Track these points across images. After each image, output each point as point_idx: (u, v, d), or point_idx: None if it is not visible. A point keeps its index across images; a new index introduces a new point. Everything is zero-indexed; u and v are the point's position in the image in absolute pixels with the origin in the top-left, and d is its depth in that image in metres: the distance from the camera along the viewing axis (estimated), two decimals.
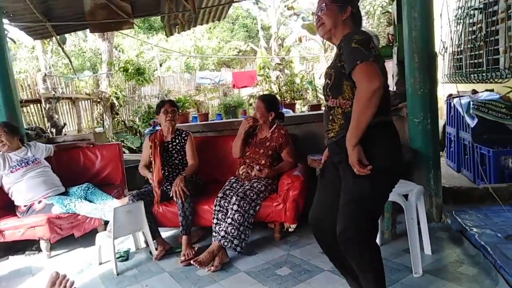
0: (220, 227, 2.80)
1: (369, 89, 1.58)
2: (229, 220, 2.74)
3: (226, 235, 2.71)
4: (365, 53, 1.61)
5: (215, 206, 2.89)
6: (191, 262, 2.65)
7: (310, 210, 1.98)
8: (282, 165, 3.13)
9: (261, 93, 10.77)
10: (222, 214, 2.85)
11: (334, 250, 1.91)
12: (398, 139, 1.79)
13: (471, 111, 3.69)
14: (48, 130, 6.50)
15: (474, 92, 4.11)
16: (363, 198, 1.69)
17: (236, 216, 2.74)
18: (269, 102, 3.17)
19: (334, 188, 1.83)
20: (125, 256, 3.01)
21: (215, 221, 2.86)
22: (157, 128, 3.84)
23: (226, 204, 2.87)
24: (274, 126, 3.18)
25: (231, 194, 2.92)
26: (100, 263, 2.93)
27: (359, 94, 1.61)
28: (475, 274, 2.26)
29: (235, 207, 2.76)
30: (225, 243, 2.70)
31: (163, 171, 3.18)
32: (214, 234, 2.82)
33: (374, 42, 1.72)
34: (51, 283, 1.55)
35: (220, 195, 2.93)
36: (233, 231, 2.71)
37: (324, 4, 1.82)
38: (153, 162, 3.16)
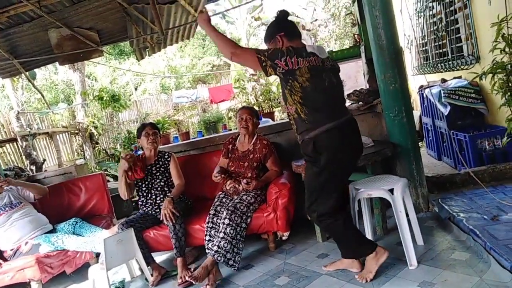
0: (212, 243, 2.78)
1: (227, 50, 2.15)
2: (221, 235, 2.73)
3: (219, 250, 2.69)
4: (265, 52, 2.10)
5: (207, 223, 2.88)
6: (187, 278, 2.65)
7: None
8: (268, 175, 3.15)
9: (239, 106, 10.82)
10: (215, 231, 2.84)
11: None
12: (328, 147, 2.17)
13: (443, 100, 3.80)
14: (28, 168, 6.35)
15: (444, 80, 4.23)
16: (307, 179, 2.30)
17: (228, 230, 2.73)
18: (254, 111, 3.26)
19: None
20: (121, 287, 2.95)
21: (207, 237, 2.85)
22: (139, 152, 3.81)
23: (218, 221, 2.86)
24: (255, 137, 3.20)
25: (222, 209, 2.92)
26: None
27: (222, 46, 2.18)
28: (467, 259, 2.30)
29: (226, 221, 2.75)
30: (218, 258, 2.68)
31: (149, 195, 3.16)
32: (207, 250, 2.81)
33: (300, 57, 2.08)
34: None
35: (212, 212, 2.92)
36: (225, 245, 2.70)
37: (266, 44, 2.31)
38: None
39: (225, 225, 2.74)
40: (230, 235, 2.72)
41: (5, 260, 3.10)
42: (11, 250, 3.14)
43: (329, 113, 2.14)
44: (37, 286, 3.08)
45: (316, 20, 13.23)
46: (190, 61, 18.76)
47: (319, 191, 2.24)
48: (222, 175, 3.04)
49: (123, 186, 3.09)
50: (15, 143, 7.52)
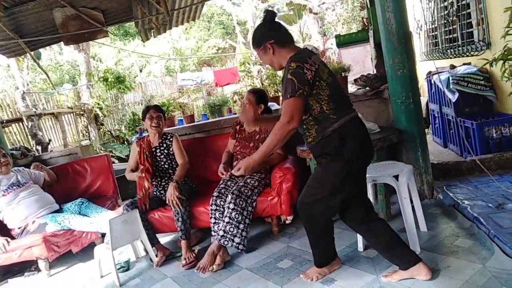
0: (218, 226, 2.81)
1: (287, 127, 1.91)
2: (226, 219, 2.75)
3: (225, 234, 2.72)
4: (295, 87, 1.88)
5: (211, 206, 2.89)
6: (195, 270, 2.67)
7: None
8: (272, 156, 3.10)
9: (244, 89, 10.75)
10: (219, 213, 2.86)
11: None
12: (350, 138, 2.00)
13: (451, 86, 3.75)
14: (34, 148, 6.39)
15: (452, 67, 4.17)
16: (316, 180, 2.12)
17: (233, 214, 2.74)
18: (259, 95, 3.14)
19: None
20: (126, 266, 3.00)
21: (212, 220, 2.87)
22: (144, 134, 3.81)
23: (222, 203, 2.87)
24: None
25: (226, 192, 2.93)
26: (102, 276, 2.92)
27: (279, 126, 1.94)
28: (471, 246, 2.31)
29: (231, 206, 2.77)
30: (225, 242, 2.71)
31: (154, 177, 3.18)
32: (213, 233, 2.84)
33: (311, 59, 1.94)
34: None
35: (215, 194, 2.93)
36: (232, 229, 2.72)
37: (256, 52, 2.16)
38: (141, 166, 3.15)
39: (230, 210, 2.76)
40: (236, 219, 2.74)
41: (13, 238, 3.15)
42: (19, 228, 3.19)
43: (348, 104, 2.09)
44: (44, 264, 3.14)
45: (323, 3, 13.00)
46: (195, 43, 18.61)
47: (334, 189, 2.04)
48: (227, 172, 3.02)
49: (134, 178, 3.20)
50: (21, 123, 7.56)
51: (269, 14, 2.13)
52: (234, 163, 3.16)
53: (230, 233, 2.72)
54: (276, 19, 2.15)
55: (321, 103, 1.96)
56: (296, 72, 1.89)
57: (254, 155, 2.05)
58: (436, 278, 2.05)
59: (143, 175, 3.07)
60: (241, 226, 2.75)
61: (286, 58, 2.01)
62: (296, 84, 1.88)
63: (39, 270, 3.22)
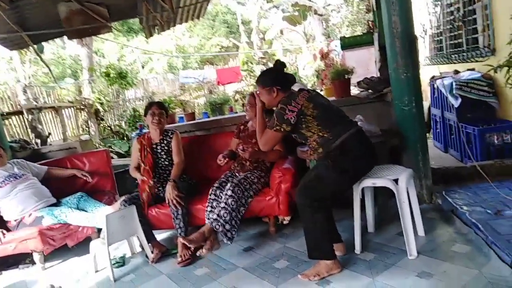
0: (212, 213, 2.84)
1: (263, 148, 2.50)
2: (222, 205, 2.79)
3: (218, 218, 2.75)
4: (274, 123, 2.34)
5: (210, 195, 2.93)
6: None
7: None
8: (270, 152, 2.99)
9: (246, 88, 10.75)
10: (217, 203, 2.88)
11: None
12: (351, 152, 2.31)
13: (454, 91, 3.73)
14: (33, 141, 6.38)
15: (456, 72, 4.15)
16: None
17: (229, 200, 2.77)
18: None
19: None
20: (121, 262, 2.99)
21: (209, 208, 2.90)
22: (144, 131, 3.80)
23: (221, 194, 2.91)
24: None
25: (227, 184, 2.95)
26: (96, 271, 2.91)
27: (260, 142, 2.48)
28: (468, 252, 2.29)
29: (229, 193, 2.80)
30: (217, 226, 2.74)
31: (154, 173, 3.17)
32: (206, 220, 2.85)
33: (295, 101, 2.31)
34: None
35: (216, 185, 2.98)
36: (225, 215, 2.74)
37: (258, 90, 2.51)
38: (142, 164, 3.14)
39: (227, 196, 2.79)
40: (231, 205, 2.77)
41: (8, 230, 3.14)
42: (15, 220, 3.17)
43: (345, 122, 2.39)
44: (39, 257, 3.13)
45: (329, 5, 13.00)
46: (198, 42, 18.61)
47: (331, 186, 2.31)
48: (226, 159, 3.06)
49: (138, 177, 3.20)
50: (21, 116, 7.55)
51: (281, 65, 2.55)
52: (237, 160, 3.18)
53: (223, 218, 2.74)
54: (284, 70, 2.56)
55: (315, 132, 2.31)
56: (278, 112, 2.33)
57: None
58: (433, 283, 2.04)
59: (145, 178, 3.06)
60: (233, 214, 2.77)
61: (278, 100, 2.41)
62: (275, 121, 2.33)
63: (34, 263, 3.20)
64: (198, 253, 2.75)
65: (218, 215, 2.77)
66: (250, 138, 3.19)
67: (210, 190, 2.96)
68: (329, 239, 2.33)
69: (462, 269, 2.11)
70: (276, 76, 2.49)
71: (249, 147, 3.04)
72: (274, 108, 2.44)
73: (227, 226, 2.74)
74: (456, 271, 2.11)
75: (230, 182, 2.90)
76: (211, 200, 2.92)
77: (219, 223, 2.74)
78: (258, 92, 2.53)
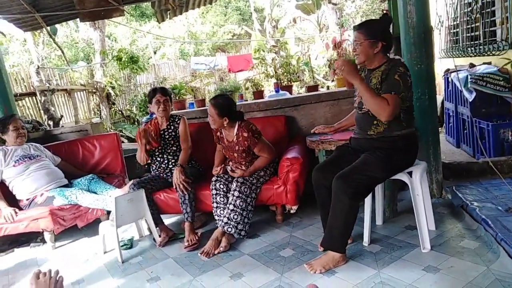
0: (221, 211, 2.82)
1: (385, 116, 2.11)
2: (231, 207, 2.76)
3: (229, 221, 2.74)
4: (400, 88, 2.10)
5: (211, 190, 2.91)
6: (198, 254, 2.68)
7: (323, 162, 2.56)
8: (257, 164, 2.94)
9: (257, 77, 10.69)
10: (220, 197, 2.87)
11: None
12: (411, 147, 2.31)
13: (469, 85, 3.66)
14: (45, 123, 6.46)
15: (472, 65, 4.07)
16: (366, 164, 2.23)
17: (238, 202, 2.75)
18: (220, 108, 2.85)
19: (344, 162, 2.32)
20: (129, 244, 3.04)
21: (214, 204, 2.88)
22: (154, 116, 3.81)
23: (221, 187, 2.89)
24: (236, 128, 2.96)
25: (226, 176, 2.94)
26: (105, 252, 2.96)
27: (381, 109, 2.11)
28: (476, 248, 2.27)
29: (236, 193, 2.77)
30: (229, 229, 2.73)
31: (161, 159, 3.19)
32: (216, 218, 2.85)
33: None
34: (35, 276, 1.56)
35: (214, 178, 2.94)
36: (236, 217, 2.74)
37: (358, 40, 2.19)
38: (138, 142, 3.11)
39: (235, 197, 2.77)
40: (240, 207, 2.75)
41: (20, 209, 3.20)
42: (27, 200, 3.23)
43: (413, 119, 2.35)
44: (50, 236, 3.19)
45: None
46: (210, 28, 18.51)
47: (373, 179, 2.24)
48: (221, 166, 2.98)
49: (141, 154, 3.13)
50: (34, 97, 7.64)
51: (388, 20, 2.34)
52: (231, 164, 3.02)
53: (234, 220, 2.74)
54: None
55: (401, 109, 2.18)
56: (404, 75, 2.12)
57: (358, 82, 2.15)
58: (439, 278, 2.03)
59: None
60: (244, 213, 2.76)
61: (380, 60, 2.22)
62: (401, 87, 2.10)
63: (44, 242, 3.27)
64: (216, 252, 2.66)
65: (228, 218, 2.74)
66: (231, 151, 3.01)
67: (210, 185, 2.91)
68: (350, 234, 2.29)
69: (469, 265, 2.10)
70: (385, 30, 2.21)
71: (237, 166, 2.95)
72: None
73: (240, 226, 2.74)
74: (464, 266, 2.09)
75: (235, 181, 2.82)
76: (214, 195, 2.89)
77: (231, 226, 2.73)
78: (355, 40, 2.20)
